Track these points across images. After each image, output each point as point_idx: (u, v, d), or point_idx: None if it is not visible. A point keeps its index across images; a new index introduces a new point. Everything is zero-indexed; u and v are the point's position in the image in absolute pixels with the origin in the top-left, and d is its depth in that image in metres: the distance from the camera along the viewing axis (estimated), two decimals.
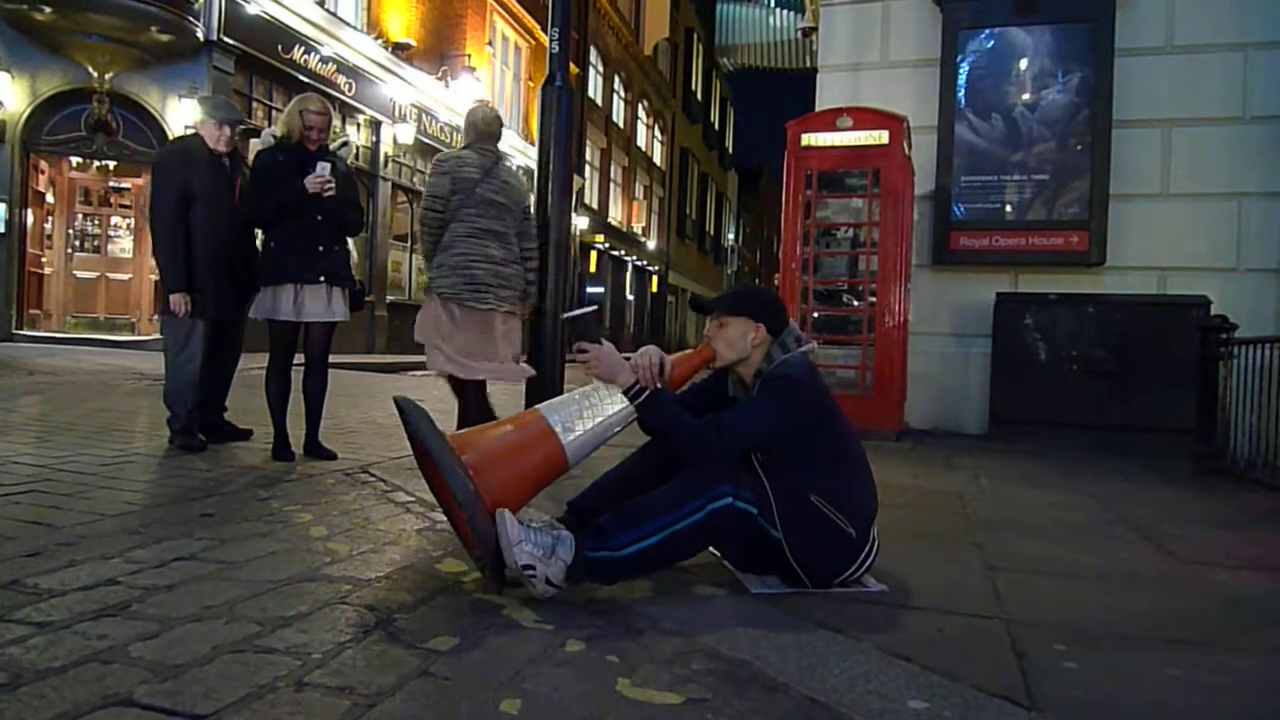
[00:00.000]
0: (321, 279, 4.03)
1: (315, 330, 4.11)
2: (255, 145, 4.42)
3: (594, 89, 25.57)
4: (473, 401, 4.21)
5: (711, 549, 2.46)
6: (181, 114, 11.15)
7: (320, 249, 4.03)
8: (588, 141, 25.13)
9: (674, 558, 2.22)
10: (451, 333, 4.08)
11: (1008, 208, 6.97)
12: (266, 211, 3.99)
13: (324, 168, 3.91)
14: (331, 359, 4.29)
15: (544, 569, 2.05)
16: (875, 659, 1.84)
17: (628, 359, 2.31)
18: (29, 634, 1.70)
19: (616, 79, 27.97)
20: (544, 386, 4.33)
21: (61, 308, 11.79)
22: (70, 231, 11.96)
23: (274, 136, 4.18)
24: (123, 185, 12.12)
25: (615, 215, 28.66)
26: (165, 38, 10.80)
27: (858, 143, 6.20)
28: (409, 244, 16.43)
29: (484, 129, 4.25)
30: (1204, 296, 5.96)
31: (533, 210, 4.42)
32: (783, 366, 2.34)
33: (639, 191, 31.38)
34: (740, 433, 2.25)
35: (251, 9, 11.80)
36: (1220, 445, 5.32)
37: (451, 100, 17.06)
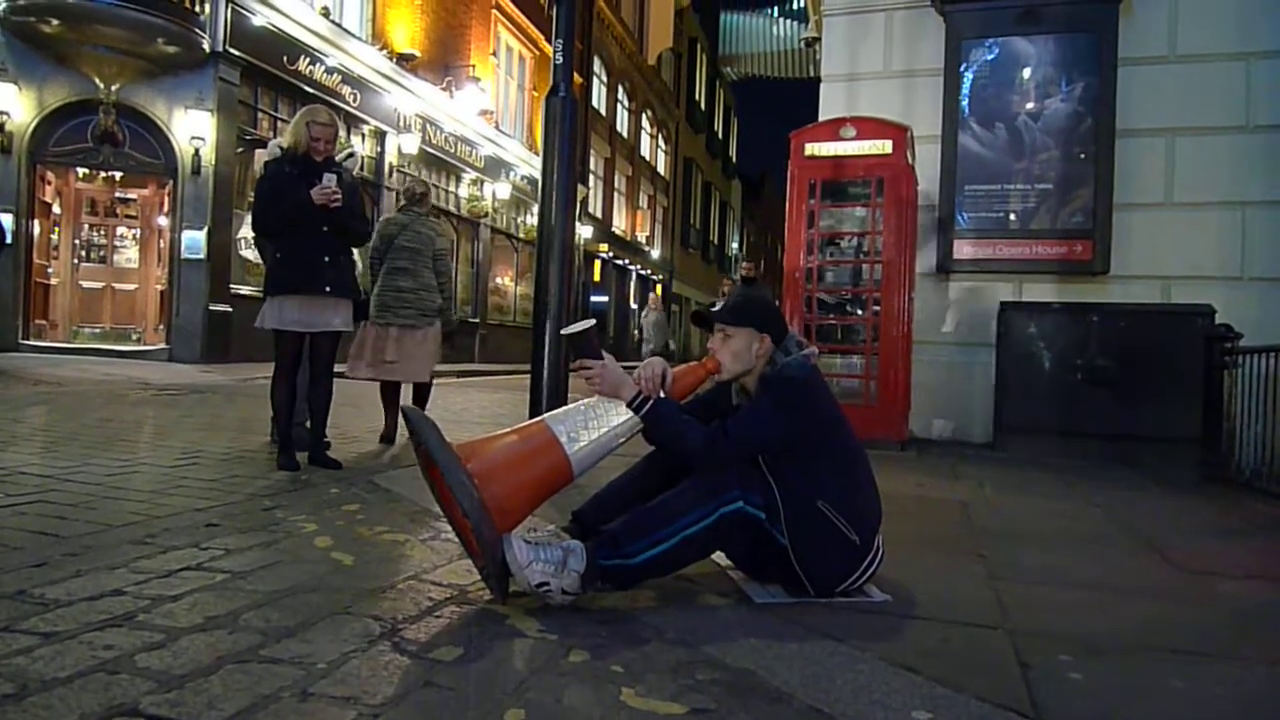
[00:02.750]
0: (327, 290, 4.05)
1: (320, 340, 4.13)
2: (261, 156, 4.44)
3: (598, 99, 25.65)
4: (393, 400, 5.46)
5: (714, 558, 2.46)
6: (187, 125, 11.21)
7: (325, 260, 4.05)
8: (592, 151, 25.20)
9: (686, 561, 2.22)
10: (367, 345, 5.34)
11: (1011, 216, 6.98)
12: (273, 222, 4.01)
13: (330, 179, 3.93)
14: (336, 369, 4.32)
15: (558, 582, 2.06)
16: (879, 669, 1.83)
17: (629, 368, 2.32)
18: (35, 644, 1.70)
19: (620, 89, 28.06)
20: (549, 397, 4.34)
21: (67, 318, 11.83)
22: (76, 242, 12.01)
23: (280, 148, 4.21)
24: (129, 196, 12.18)
25: (619, 224, 28.71)
26: (171, 49, 10.86)
27: (861, 152, 6.22)
28: None
29: (414, 196, 5.67)
30: (1208, 306, 5.95)
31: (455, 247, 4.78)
32: (785, 369, 2.33)
33: (643, 201, 31.43)
34: (748, 436, 2.24)
35: (257, 20, 11.87)
36: (1225, 454, 5.32)
37: (456, 110, 17.13)
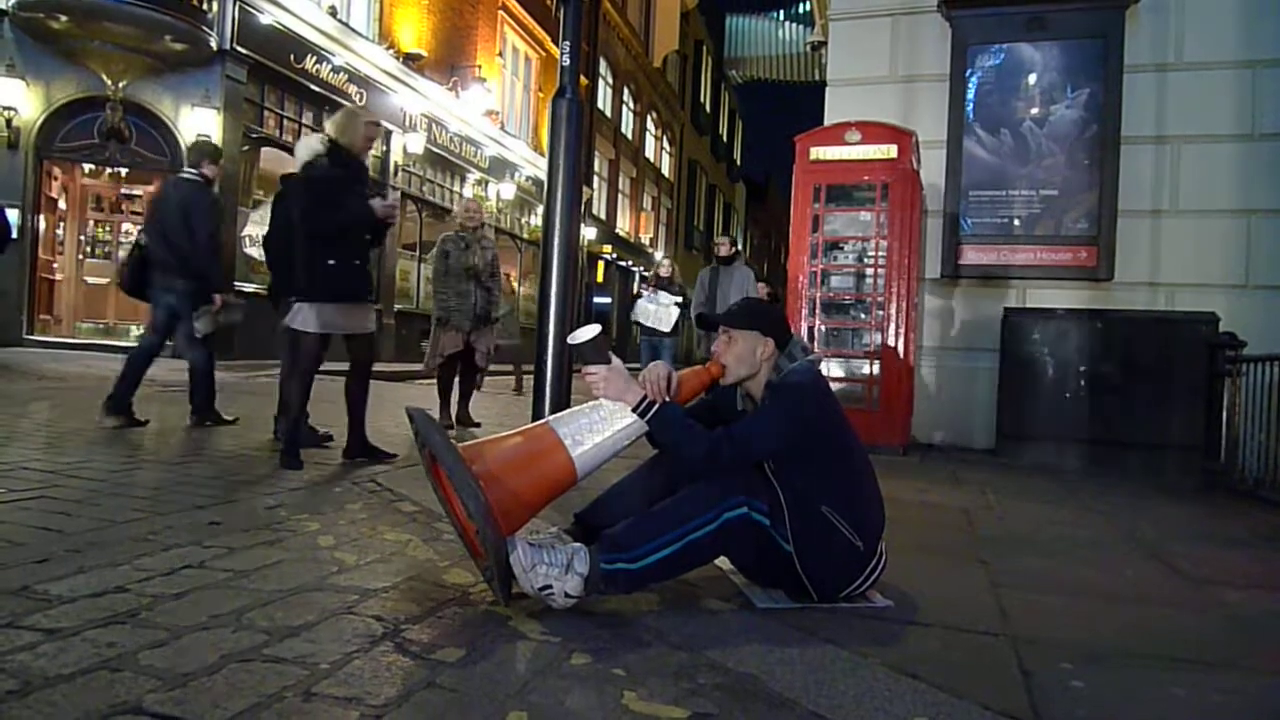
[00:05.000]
0: (369, 296, 4.23)
1: (361, 341, 4.25)
2: (301, 151, 4.31)
3: (603, 100, 25.66)
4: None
5: (717, 561, 2.46)
6: (194, 122, 11.23)
7: (367, 268, 4.20)
8: (596, 152, 25.21)
9: (689, 566, 2.22)
10: None
11: (1016, 222, 6.98)
12: (329, 226, 4.02)
13: (395, 196, 4.05)
14: (338, 366, 4.38)
15: (561, 585, 2.06)
16: (881, 675, 1.83)
17: (633, 369, 2.31)
18: (39, 640, 1.71)
19: (625, 90, 28.08)
20: (552, 399, 4.35)
21: (72, 313, 11.86)
22: (82, 238, 12.05)
23: (325, 145, 4.13)
24: (134, 192, 12.21)
25: (623, 226, 28.73)
26: (179, 47, 10.90)
27: (866, 157, 6.22)
28: (417, 253, 16.49)
29: None
30: (1212, 313, 5.95)
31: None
32: (791, 375, 2.33)
33: (647, 202, 31.46)
34: (753, 442, 2.24)
35: (264, 19, 11.90)
36: (1228, 462, 5.31)
37: (462, 110, 17.15)
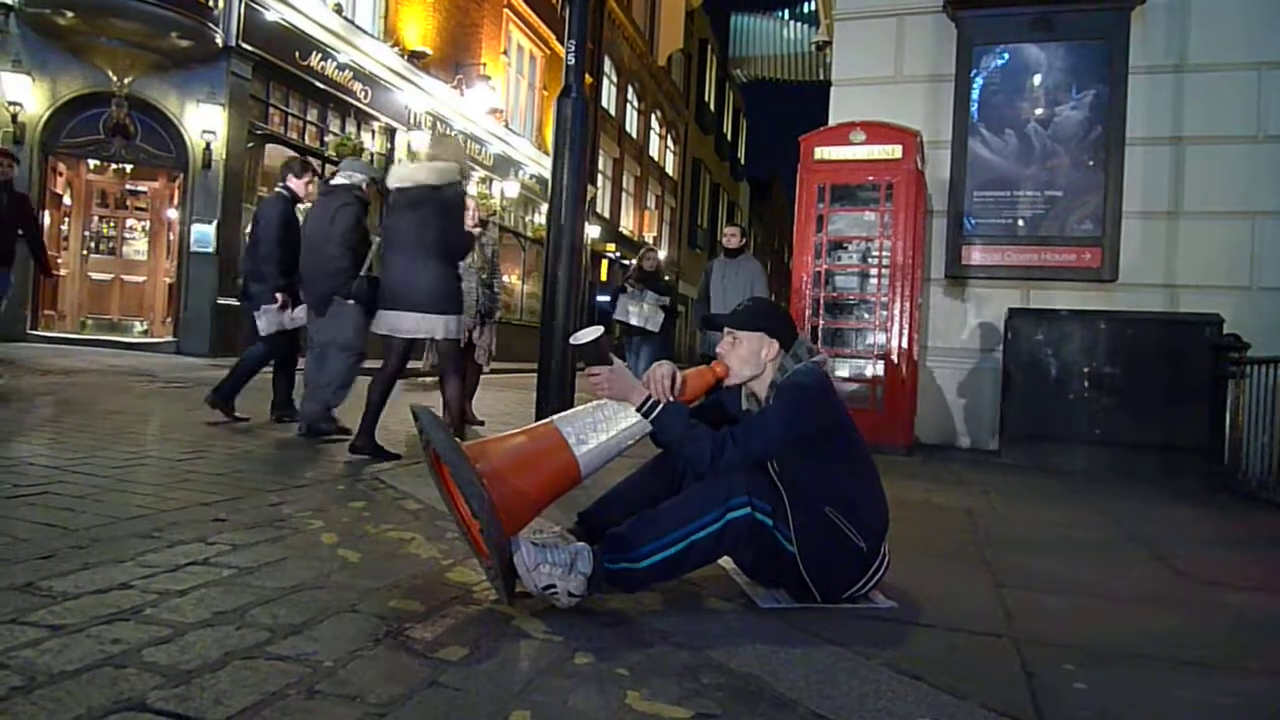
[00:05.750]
0: None
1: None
2: (446, 173, 4.38)
3: (607, 99, 25.63)
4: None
5: (719, 561, 2.45)
6: (199, 119, 11.24)
7: None
8: (600, 151, 25.18)
9: (692, 566, 2.22)
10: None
11: (1020, 223, 6.97)
12: (469, 249, 4.79)
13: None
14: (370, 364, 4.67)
15: (564, 584, 2.06)
16: (884, 676, 1.83)
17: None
18: (44, 637, 1.71)
19: (630, 89, 28.07)
20: (555, 397, 4.36)
21: (76, 309, 11.87)
22: (86, 233, 12.06)
23: (460, 175, 4.46)
24: (139, 188, 12.23)
25: (627, 224, 28.71)
26: (185, 43, 10.92)
27: (871, 157, 6.22)
28: None
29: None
30: (1216, 315, 5.94)
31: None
32: (796, 375, 2.32)
33: (651, 201, 31.43)
34: (756, 442, 2.23)
35: (270, 16, 11.91)
36: (1232, 464, 5.30)
37: (466, 108, 17.14)
